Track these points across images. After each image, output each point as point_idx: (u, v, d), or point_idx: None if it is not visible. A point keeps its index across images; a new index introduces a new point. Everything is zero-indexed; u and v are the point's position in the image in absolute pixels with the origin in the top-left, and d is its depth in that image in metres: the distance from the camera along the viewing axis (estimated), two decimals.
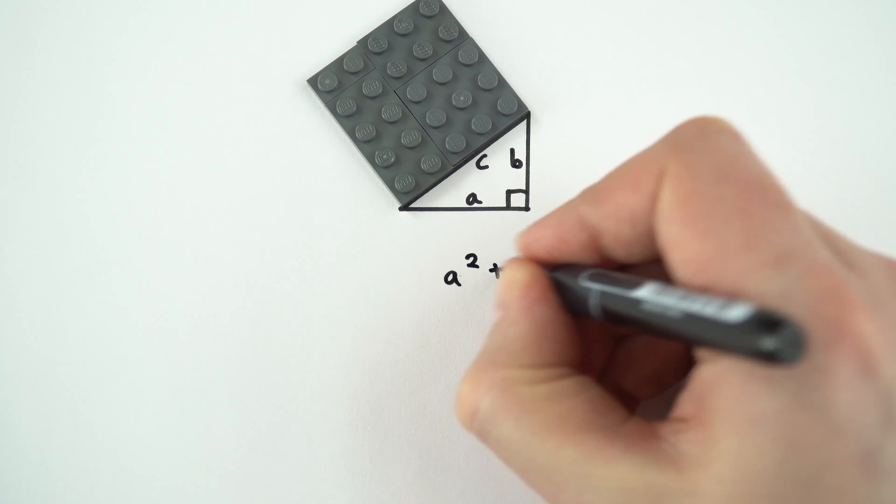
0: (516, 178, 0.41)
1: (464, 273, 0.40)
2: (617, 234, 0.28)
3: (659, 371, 0.32)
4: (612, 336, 0.33)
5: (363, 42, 0.42)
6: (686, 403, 0.27)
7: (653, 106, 0.41)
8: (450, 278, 0.40)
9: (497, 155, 0.41)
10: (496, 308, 0.31)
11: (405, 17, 0.42)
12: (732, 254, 0.25)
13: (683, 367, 0.31)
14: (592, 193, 0.29)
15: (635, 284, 0.27)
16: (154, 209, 0.40)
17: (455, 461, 0.38)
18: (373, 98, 0.41)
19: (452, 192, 0.41)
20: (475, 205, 0.40)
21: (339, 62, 0.41)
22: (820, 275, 0.24)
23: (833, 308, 0.24)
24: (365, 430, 0.38)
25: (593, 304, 0.29)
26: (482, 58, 0.41)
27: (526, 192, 0.41)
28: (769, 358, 0.23)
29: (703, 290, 0.25)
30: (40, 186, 0.40)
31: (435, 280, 0.39)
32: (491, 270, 0.35)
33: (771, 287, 0.24)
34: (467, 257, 0.40)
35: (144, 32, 0.42)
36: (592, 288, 0.29)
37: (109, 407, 0.38)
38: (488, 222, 0.40)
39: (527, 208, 0.40)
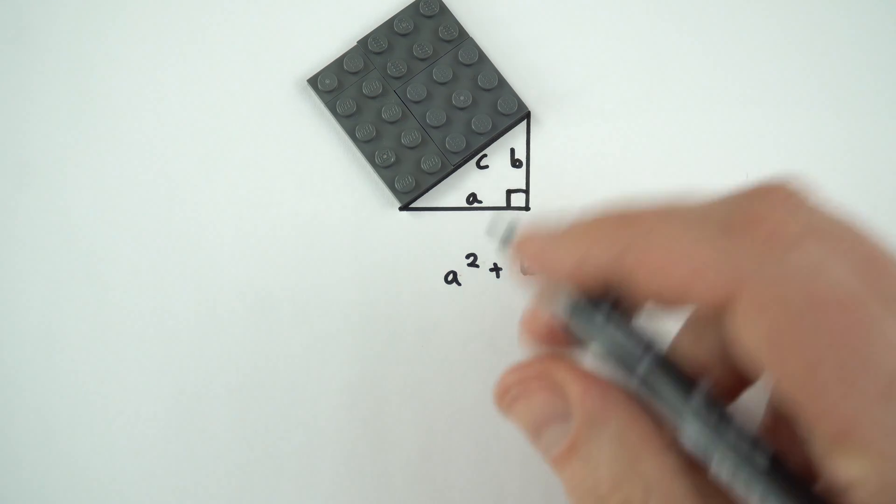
0: (516, 178, 0.41)
1: (464, 273, 0.40)
2: (656, 293, 0.25)
3: None
4: None
5: (363, 42, 0.42)
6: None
7: (653, 106, 0.41)
8: (450, 278, 0.40)
9: (497, 155, 0.41)
10: (543, 427, 0.27)
11: (405, 17, 0.42)
12: (843, 387, 0.23)
13: None
14: (634, 245, 0.25)
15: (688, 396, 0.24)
16: (154, 209, 0.40)
17: (455, 461, 0.38)
18: (373, 98, 0.41)
19: (452, 192, 0.41)
20: (475, 205, 0.40)
21: (339, 62, 0.41)
22: None
23: None
24: (365, 430, 0.38)
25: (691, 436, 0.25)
26: (482, 58, 0.41)
27: (526, 192, 0.41)
28: None
29: (815, 417, 0.23)
30: (40, 186, 0.40)
31: (435, 280, 0.39)
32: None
33: (887, 421, 0.23)
34: (467, 257, 0.40)
35: (145, 32, 0.42)
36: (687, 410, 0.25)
37: (109, 406, 0.38)
38: (488, 222, 0.40)
39: (527, 208, 0.40)
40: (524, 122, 0.41)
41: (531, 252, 0.27)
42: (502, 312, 0.39)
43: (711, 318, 0.26)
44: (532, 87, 0.41)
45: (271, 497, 0.38)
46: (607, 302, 0.26)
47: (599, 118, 0.41)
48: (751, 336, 0.24)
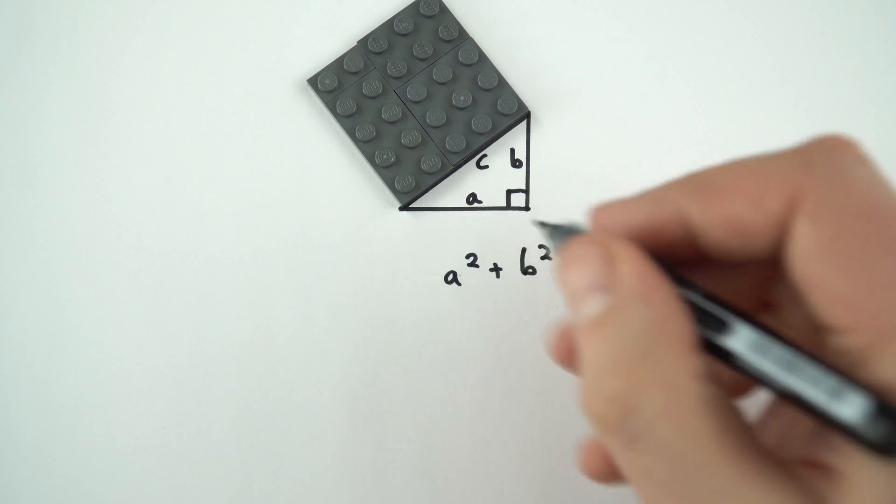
0: (516, 178, 0.41)
1: (464, 273, 0.40)
2: (723, 243, 0.26)
3: None
4: None
5: (363, 42, 0.42)
6: (824, 449, 0.25)
7: (653, 105, 0.41)
8: (450, 278, 0.40)
9: (497, 155, 0.41)
10: (585, 293, 0.26)
11: (405, 17, 0.42)
12: (886, 292, 0.24)
13: None
14: (701, 189, 0.26)
15: (729, 326, 0.25)
16: (154, 209, 0.40)
17: (455, 461, 0.38)
18: (373, 98, 0.41)
19: (452, 192, 0.41)
20: (475, 205, 0.40)
21: (339, 62, 0.41)
22: None
23: None
24: (365, 430, 0.38)
25: (740, 350, 0.26)
26: (482, 58, 0.41)
27: (526, 191, 0.41)
28: (887, 452, 0.22)
29: (850, 331, 0.24)
30: (41, 187, 0.40)
31: (435, 280, 0.39)
32: (542, 225, 0.30)
33: None
34: (467, 257, 0.40)
35: (145, 32, 0.42)
36: (737, 331, 0.26)
37: (109, 406, 0.38)
38: (488, 222, 0.40)
39: (527, 208, 0.40)
40: (524, 122, 0.41)
41: (605, 217, 0.27)
42: (502, 312, 0.39)
43: (772, 263, 0.26)
44: (532, 87, 0.41)
45: (271, 497, 0.38)
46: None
47: (599, 118, 0.41)
48: (809, 241, 0.24)
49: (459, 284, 0.39)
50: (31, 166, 0.41)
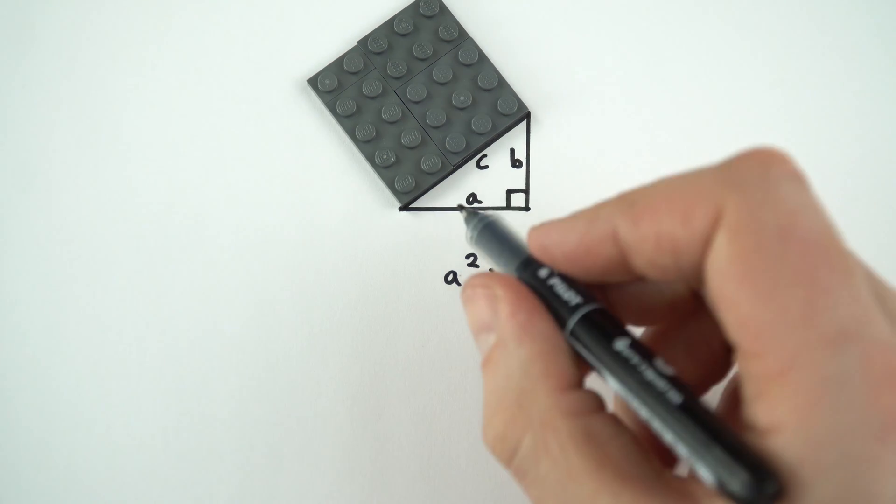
0: (516, 178, 0.41)
1: (464, 273, 0.40)
2: (653, 260, 0.26)
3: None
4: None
5: (363, 42, 0.42)
6: None
7: (653, 105, 0.41)
8: (450, 278, 0.40)
9: (497, 155, 0.41)
10: (480, 336, 0.28)
11: (405, 17, 0.42)
12: (792, 325, 0.23)
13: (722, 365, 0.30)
14: (631, 208, 0.26)
15: (616, 336, 0.26)
16: (154, 209, 0.40)
17: (455, 461, 0.38)
18: (373, 98, 0.41)
19: (452, 192, 0.41)
20: (475, 205, 0.40)
21: (339, 62, 0.41)
22: (881, 357, 0.23)
23: (891, 396, 0.23)
24: (365, 430, 0.38)
25: (570, 327, 0.27)
26: (482, 58, 0.41)
27: (526, 192, 0.41)
28: (738, 500, 0.23)
29: (754, 356, 0.24)
30: (41, 186, 0.40)
31: (435, 280, 0.39)
32: (459, 208, 0.31)
33: (828, 368, 0.23)
34: (467, 257, 0.40)
35: (145, 33, 0.42)
36: (576, 309, 0.27)
37: (109, 406, 0.38)
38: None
39: (527, 208, 0.40)
40: (524, 122, 0.41)
41: (541, 237, 0.28)
42: None
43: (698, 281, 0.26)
44: (532, 87, 0.41)
45: (271, 497, 0.38)
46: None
47: (599, 118, 0.41)
48: (725, 258, 0.24)
49: (459, 284, 0.39)
50: (31, 166, 0.41)
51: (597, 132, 0.41)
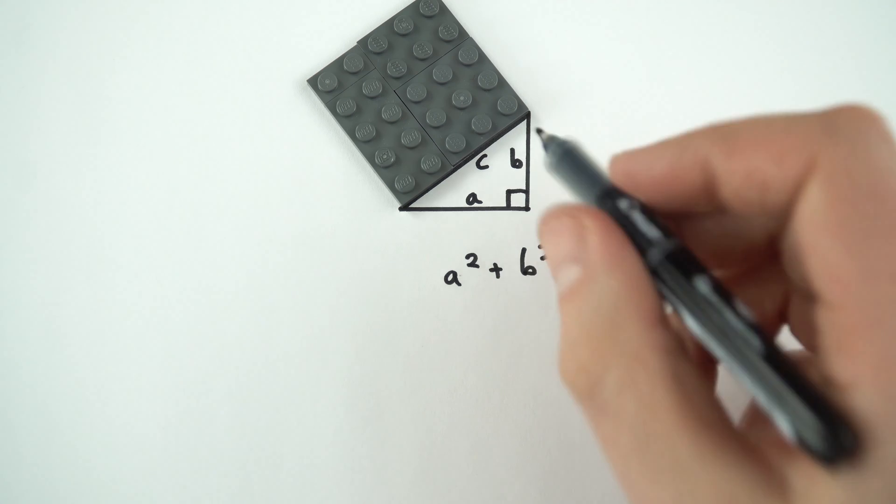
0: (516, 178, 0.41)
1: (464, 273, 0.40)
2: (740, 194, 0.26)
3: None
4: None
5: (363, 42, 0.42)
6: None
7: (653, 105, 0.41)
8: (450, 278, 0.40)
9: (497, 155, 0.41)
10: (562, 267, 0.27)
11: (405, 17, 0.42)
12: (881, 279, 0.23)
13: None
14: (725, 139, 0.26)
15: (698, 275, 0.25)
16: (154, 209, 0.40)
17: (455, 461, 0.38)
18: (373, 98, 0.41)
19: (452, 192, 0.41)
20: (475, 205, 0.40)
21: (339, 62, 0.41)
22: None
23: None
24: (365, 430, 0.38)
25: (653, 261, 0.26)
26: (482, 58, 0.41)
27: (526, 192, 0.41)
28: (816, 455, 0.22)
29: (836, 307, 0.24)
30: (41, 186, 0.40)
31: (435, 280, 0.39)
32: (538, 132, 0.30)
33: None
34: (467, 257, 0.40)
35: (145, 32, 0.42)
36: (657, 245, 0.26)
37: (109, 406, 0.38)
38: (488, 222, 0.40)
39: (527, 208, 0.40)
40: (524, 122, 0.41)
41: (627, 164, 0.27)
42: (502, 312, 0.39)
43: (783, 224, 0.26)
44: (532, 87, 0.41)
45: (271, 497, 0.38)
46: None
47: (599, 118, 0.41)
48: (817, 207, 0.24)
49: (459, 284, 0.39)
50: (31, 166, 0.41)
51: (597, 132, 0.41)
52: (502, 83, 0.41)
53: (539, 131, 0.30)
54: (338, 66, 0.41)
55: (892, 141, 0.25)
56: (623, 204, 0.27)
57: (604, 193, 0.27)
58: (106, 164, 0.41)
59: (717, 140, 0.26)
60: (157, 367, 0.39)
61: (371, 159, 0.40)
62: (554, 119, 0.41)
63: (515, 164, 0.41)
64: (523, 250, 0.40)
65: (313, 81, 0.41)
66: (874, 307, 0.23)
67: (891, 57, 0.41)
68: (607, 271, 0.26)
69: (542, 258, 0.40)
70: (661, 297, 0.26)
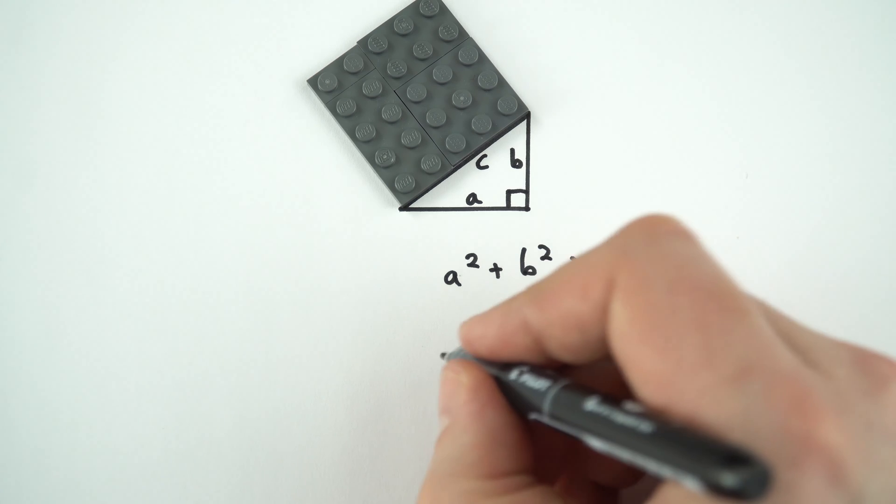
0: (516, 178, 0.41)
1: (464, 273, 0.40)
2: (563, 341, 0.27)
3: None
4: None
5: (363, 42, 0.42)
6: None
7: (652, 105, 0.41)
8: (450, 278, 0.40)
9: (497, 155, 0.41)
10: (441, 415, 0.30)
11: (405, 17, 0.42)
12: (691, 371, 0.23)
13: None
14: (537, 296, 0.27)
15: (585, 398, 0.26)
16: (154, 209, 0.40)
17: None
18: (373, 98, 0.41)
19: (452, 192, 0.41)
20: (475, 205, 0.40)
21: (339, 62, 0.41)
22: (784, 386, 0.23)
23: (799, 421, 0.22)
24: (365, 431, 0.38)
25: (546, 409, 0.28)
26: (482, 58, 0.41)
27: (526, 192, 0.41)
28: (731, 495, 0.22)
29: (662, 411, 0.24)
30: (40, 186, 0.40)
31: (435, 280, 0.39)
32: (442, 355, 0.34)
33: (733, 406, 0.23)
34: (467, 257, 0.40)
35: (145, 32, 0.42)
36: (546, 393, 0.28)
37: (109, 406, 0.38)
38: (488, 222, 0.40)
39: (527, 208, 0.40)
40: (524, 122, 0.41)
41: (467, 331, 0.30)
42: None
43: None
44: (532, 87, 0.41)
45: (271, 497, 0.38)
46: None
47: (599, 118, 0.41)
48: (621, 320, 0.25)
49: (459, 284, 0.39)
50: (30, 166, 0.41)
51: (597, 132, 0.41)
52: (502, 83, 0.41)
53: (442, 355, 0.34)
54: (338, 67, 0.41)
55: (687, 235, 0.26)
56: (513, 373, 0.29)
57: (501, 367, 0.30)
58: (105, 164, 0.41)
59: (531, 298, 0.27)
60: (157, 366, 0.39)
61: (371, 159, 0.40)
62: (554, 119, 0.41)
63: (515, 164, 0.41)
64: (523, 250, 0.40)
65: (313, 81, 0.41)
66: (692, 399, 0.23)
67: (891, 57, 0.41)
68: (463, 428, 0.29)
69: (544, 258, 0.40)
70: (524, 446, 0.29)
